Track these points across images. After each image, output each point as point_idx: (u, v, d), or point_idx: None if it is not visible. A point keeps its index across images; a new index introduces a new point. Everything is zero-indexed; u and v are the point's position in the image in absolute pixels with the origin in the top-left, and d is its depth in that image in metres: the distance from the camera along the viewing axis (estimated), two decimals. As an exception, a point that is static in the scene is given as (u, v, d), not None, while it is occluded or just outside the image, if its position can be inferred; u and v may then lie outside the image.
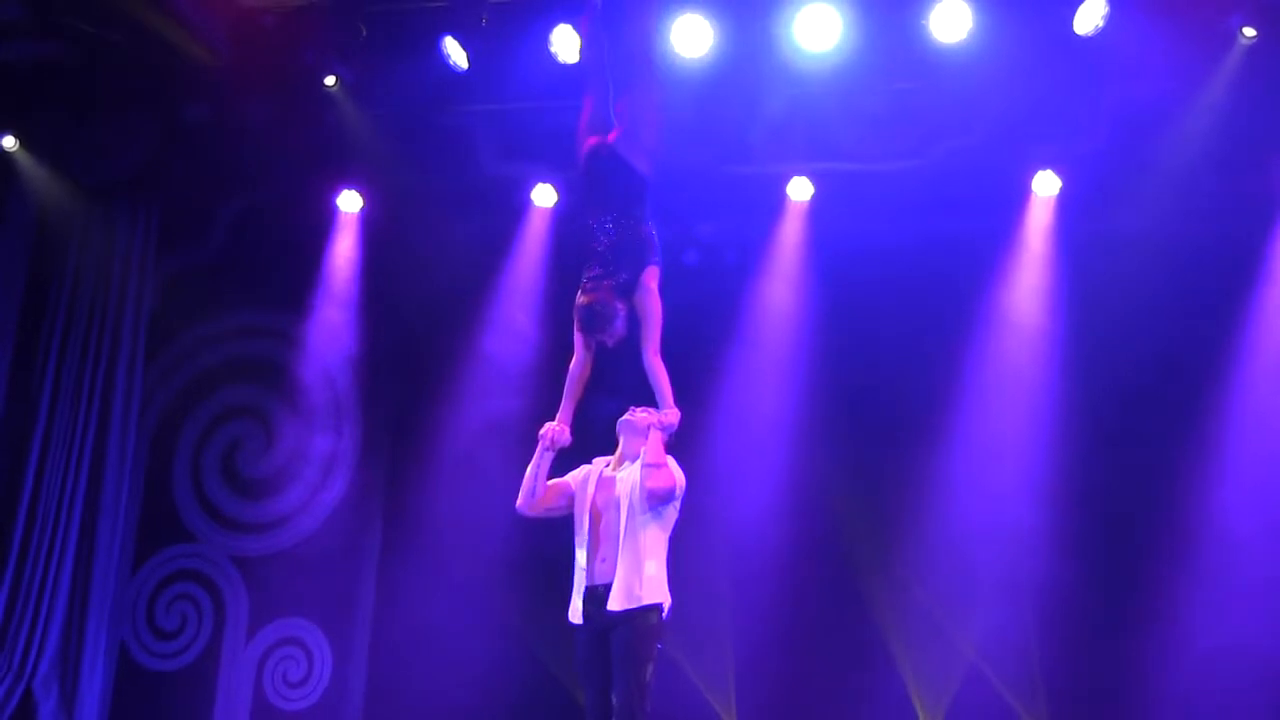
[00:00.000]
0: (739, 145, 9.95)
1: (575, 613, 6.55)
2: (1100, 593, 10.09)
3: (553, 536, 10.85)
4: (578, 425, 6.70)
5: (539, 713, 10.89)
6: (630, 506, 6.50)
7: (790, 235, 10.43)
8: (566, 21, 9.24)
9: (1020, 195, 10.15)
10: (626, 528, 6.48)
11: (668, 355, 6.45)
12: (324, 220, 10.95)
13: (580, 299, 6.50)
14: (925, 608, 10.32)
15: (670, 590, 6.40)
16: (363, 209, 10.97)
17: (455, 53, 9.64)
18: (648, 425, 6.50)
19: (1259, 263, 9.80)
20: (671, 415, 6.47)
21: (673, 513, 6.55)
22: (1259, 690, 9.36)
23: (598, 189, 6.71)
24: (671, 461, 6.52)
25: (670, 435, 6.50)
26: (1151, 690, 9.60)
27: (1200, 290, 9.84)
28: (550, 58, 9.46)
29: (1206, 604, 9.51)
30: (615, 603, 6.34)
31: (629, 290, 6.48)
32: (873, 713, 10.31)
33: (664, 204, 9.93)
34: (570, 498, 6.76)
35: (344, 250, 10.96)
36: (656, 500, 6.44)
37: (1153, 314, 9.83)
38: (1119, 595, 10.03)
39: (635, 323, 6.45)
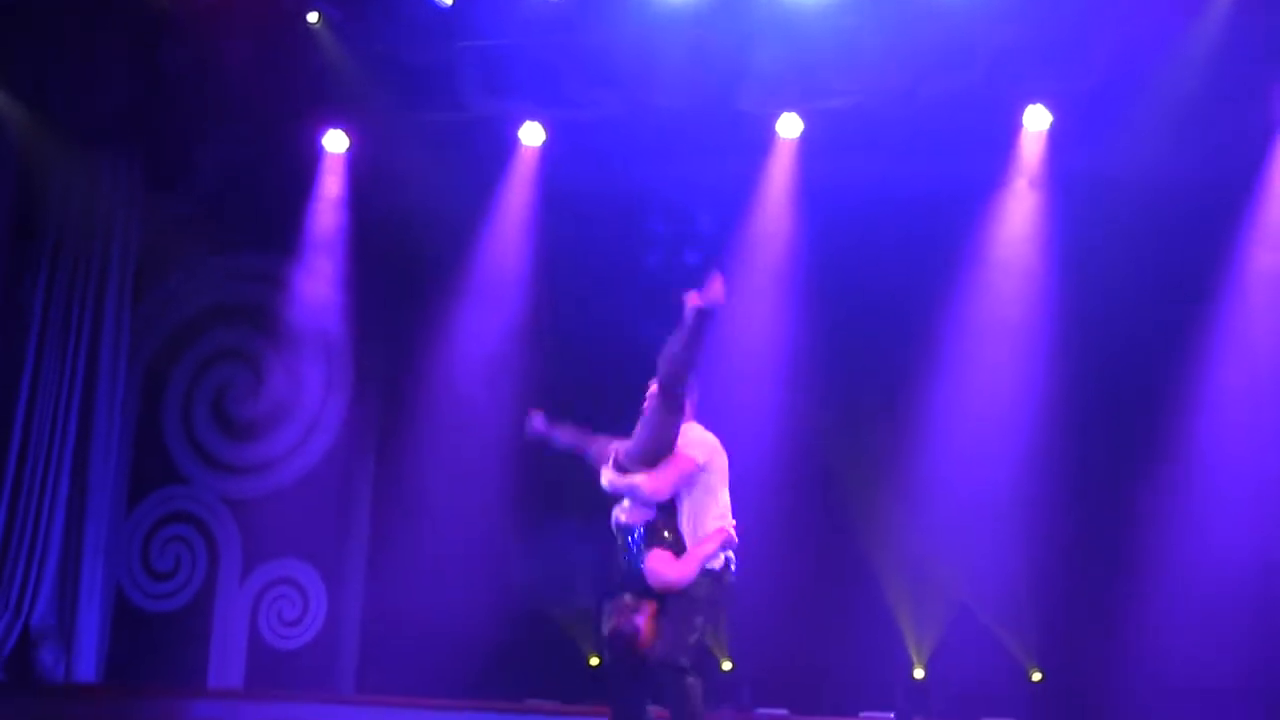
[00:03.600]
0: (729, 83, 9.84)
1: None
2: (1090, 524, 10.16)
3: (543, 475, 10.99)
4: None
5: (534, 649, 10.97)
6: None
7: (779, 173, 10.37)
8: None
9: (1011, 131, 10.08)
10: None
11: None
12: (310, 161, 10.87)
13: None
14: (916, 544, 10.38)
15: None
16: (349, 149, 10.88)
17: (439, -13, 9.53)
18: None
19: (1253, 195, 9.75)
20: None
21: (696, 486, 6.56)
22: (1241, 605, 9.44)
23: None
24: (674, 457, 6.50)
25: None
26: (1137, 613, 9.68)
27: (1193, 224, 9.79)
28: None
29: (1190, 526, 9.56)
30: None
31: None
32: (864, 649, 10.40)
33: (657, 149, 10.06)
34: None
35: (331, 191, 10.88)
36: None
37: (1145, 248, 9.79)
38: (1108, 526, 10.10)
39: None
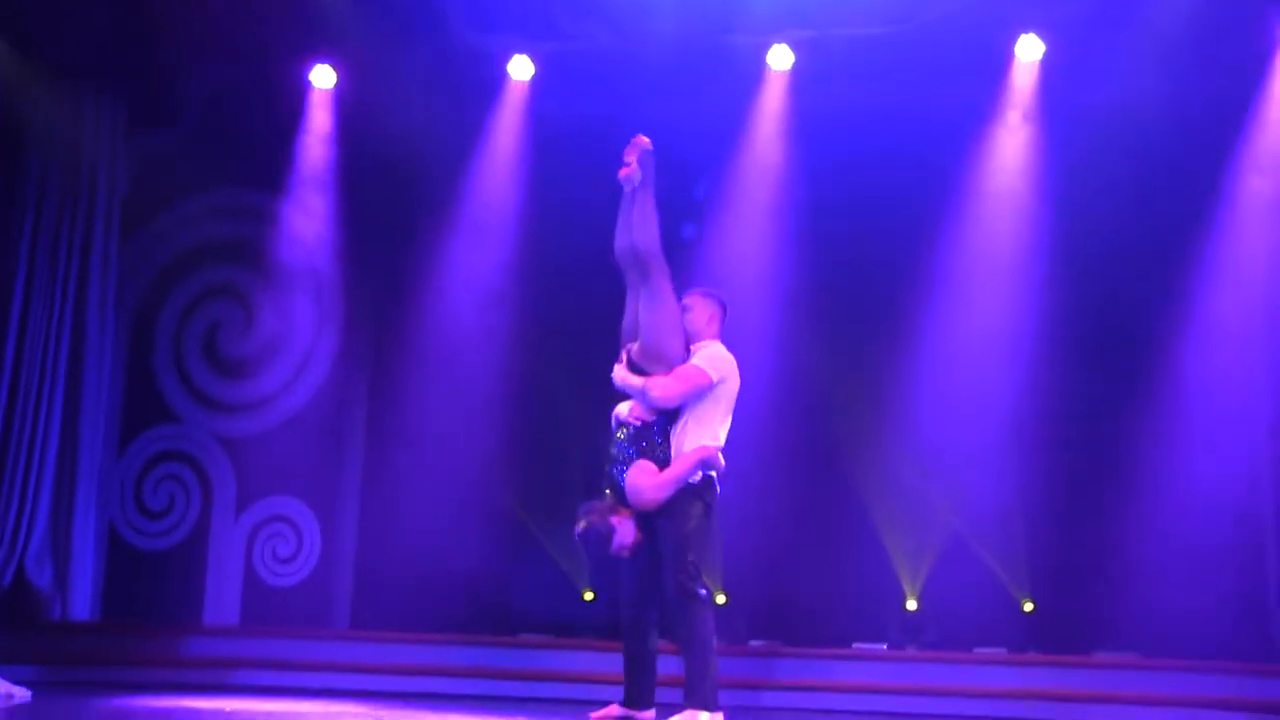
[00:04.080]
0: (720, 14, 9.78)
1: None
2: (1081, 455, 10.22)
3: (538, 410, 10.99)
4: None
5: (527, 584, 11.03)
6: None
7: (771, 106, 10.32)
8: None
9: (1004, 61, 10.04)
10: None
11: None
12: (298, 97, 10.80)
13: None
14: (908, 476, 10.42)
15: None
16: (337, 84, 10.81)
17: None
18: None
19: (1246, 123, 9.72)
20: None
21: (702, 402, 6.59)
22: (1225, 531, 9.53)
23: None
24: (695, 359, 6.55)
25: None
26: (1126, 542, 9.75)
27: (1185, 153, 9.77)
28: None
29: (1179, 454, 9.61)
30: None
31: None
32: (857, 582, 10.46)
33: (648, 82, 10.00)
34: None
35: (319, 127, 10.82)
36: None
37: (1137, 177, 9.79)
38: (1099, 456, 10.16)
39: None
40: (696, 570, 6.45)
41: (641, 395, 6.52)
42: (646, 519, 6.53)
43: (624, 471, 6.45)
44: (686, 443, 6.50)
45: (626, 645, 6.78)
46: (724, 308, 6.90)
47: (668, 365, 6.54)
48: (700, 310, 6.80)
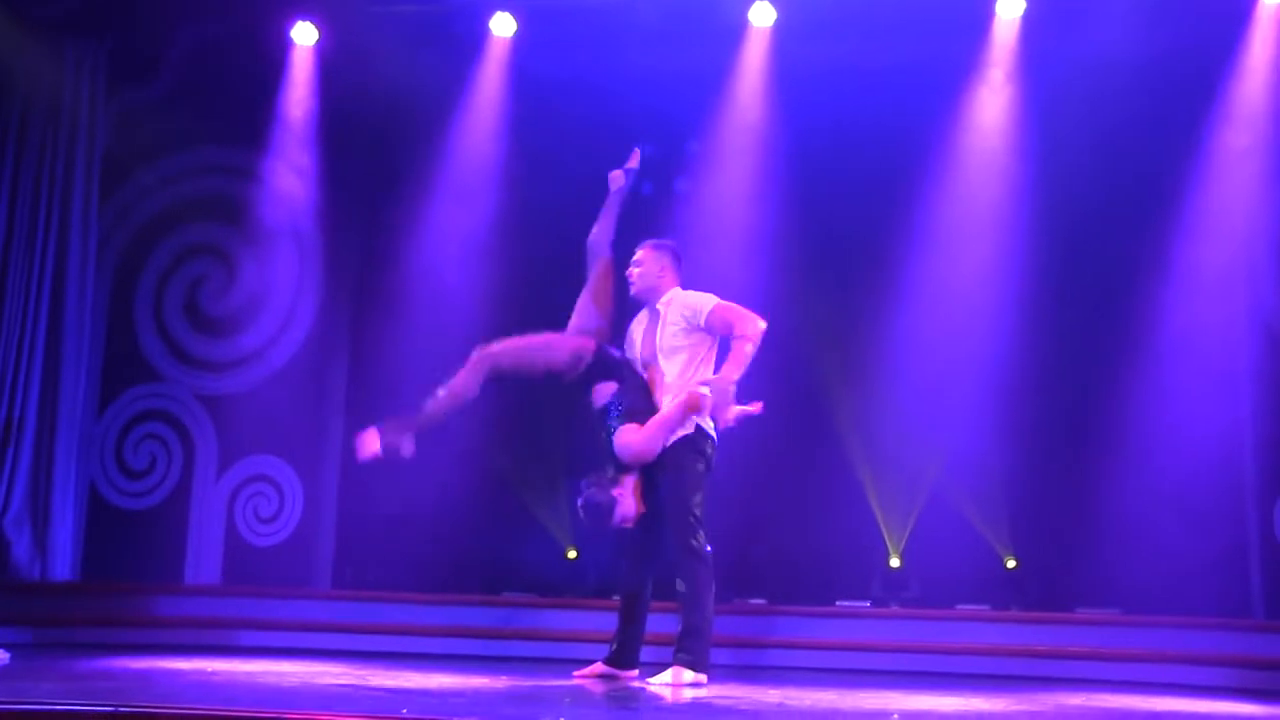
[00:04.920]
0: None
1: None
2: (1063, 411, 10.25)
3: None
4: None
5: (511, 542, 11.03)
6: (660, 346, 6.73)
7: (753, 62, 10.28)
8: None
9: (985, 17, 10.00)
10: (662, 366, 6.69)
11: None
12: (279, 53, 10.71)
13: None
14: (890, 433, 10.44)
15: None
16: (318, 41, 10.73)
17: None
18: None
19: (1225, 76, 9.70)
20: None
21: (705, 349, 6.59)
22: (1207, 486, 9.53)
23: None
24: (714, 305, 6.64)
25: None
26: (1109, 498, 9.77)
27: (1166, 107, 9.76)
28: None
29: (1160, 410, 9.62)
30: None
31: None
32: (839, 539, 10.48)
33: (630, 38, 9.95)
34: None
35: (300, 83, 10.73)
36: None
37: (1117, 132, 9.77)
38: (1081, 412, 10.18)
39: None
40: (698, 524, 6.46)
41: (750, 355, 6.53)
42: (647, 483, 6.54)
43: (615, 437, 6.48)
44: (680, 385, 6.53)
45: (623, 602, 6.80)
46: (677, 256, 6.91)
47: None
48: (651, 263, 6.81)
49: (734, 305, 6.67)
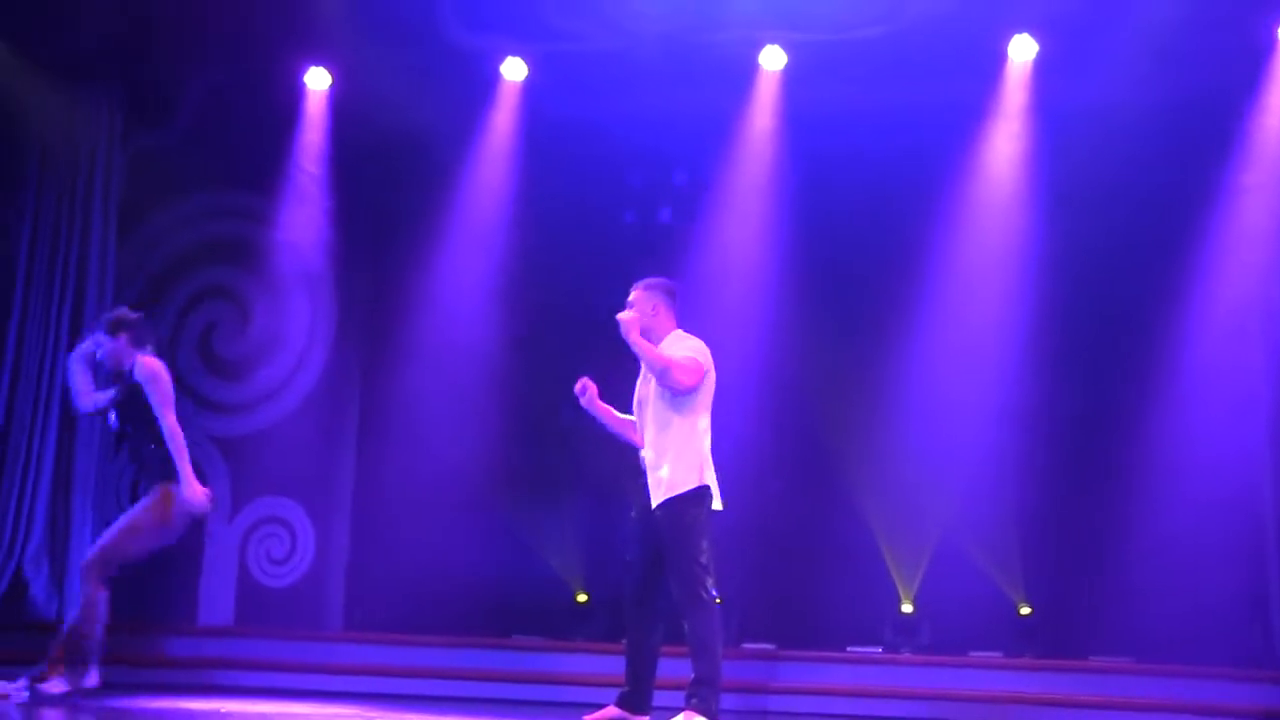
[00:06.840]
0: (711, 13, 9.76)
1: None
2: (1078, 454, 10.20)
3: (532, 411, 10.97)
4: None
5: (521, 585, 11.01)
6: (654, 399, 6.59)
7: (763, 105, 10.30)
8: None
9: (996, 61, 10.00)
10: (655, 420, 6.57)
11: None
12: (292, 98, 10.80)
13: None
14: (903, 477, 10.39)
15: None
16: (331, 86, 10.82)
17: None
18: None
19: (1238, 120, 9.67)
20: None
21: (697, 401, 6.55)
22: (1228, 534, 9.48)
23: None
24: (681, 351, 6.51)
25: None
26: (1125, 546, 9.72)
27: (1179, 150, 9.73)
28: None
29: (1178, 456, 9.55)
30: (653, 498, 6.51)
31: None
32: (851, 584, 10.42)
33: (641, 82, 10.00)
34: None
35: (313, 127, 10.82)
36: (673, 394, 6.48)
37: (1131, 175, 9.77)
38: (1096, 456, 10.13)
39: None
40: (705, 572, 6.43)
41: (663, 373, 6.46)
42: (648, 532, 6.53)
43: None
44: (676, 440, 6.48)
45: (629, 640, 6.75)
46: (670, 293, 6.81)
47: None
48: (643, 303, 6.71)
49: (688, 360, 6.56)
